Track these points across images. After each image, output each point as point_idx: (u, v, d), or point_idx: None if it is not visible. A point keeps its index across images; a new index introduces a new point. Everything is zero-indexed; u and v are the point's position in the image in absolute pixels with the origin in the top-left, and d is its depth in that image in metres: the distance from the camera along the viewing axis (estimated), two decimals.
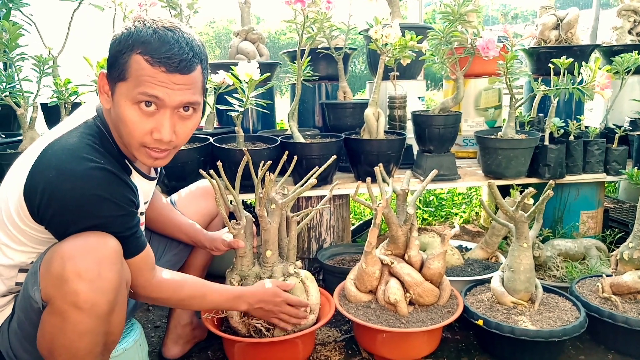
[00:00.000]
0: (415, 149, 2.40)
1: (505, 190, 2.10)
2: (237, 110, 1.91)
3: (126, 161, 1.17)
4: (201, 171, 1.46)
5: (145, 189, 1.28)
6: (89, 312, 0.99)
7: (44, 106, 2.17)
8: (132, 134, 1.07)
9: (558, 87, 2.04)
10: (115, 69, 1.04)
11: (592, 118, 3.17)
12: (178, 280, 1.26)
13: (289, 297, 1.41)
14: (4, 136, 2.26)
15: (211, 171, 1.44)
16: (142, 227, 1.25)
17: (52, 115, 2.21)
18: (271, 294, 1.38)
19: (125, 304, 1.12)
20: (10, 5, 1.84)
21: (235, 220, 1.50)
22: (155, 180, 1.37)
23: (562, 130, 2.28)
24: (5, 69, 2.08)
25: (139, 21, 1.05)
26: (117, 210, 1.06)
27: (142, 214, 1.24)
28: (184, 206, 1.59)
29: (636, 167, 2.19)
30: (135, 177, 1.21)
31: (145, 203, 1.32)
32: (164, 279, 1.22)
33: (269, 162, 1.47)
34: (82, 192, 1.01)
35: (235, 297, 1.35)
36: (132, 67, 1.02)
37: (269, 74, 2.00)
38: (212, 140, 2.04)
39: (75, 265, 0.98)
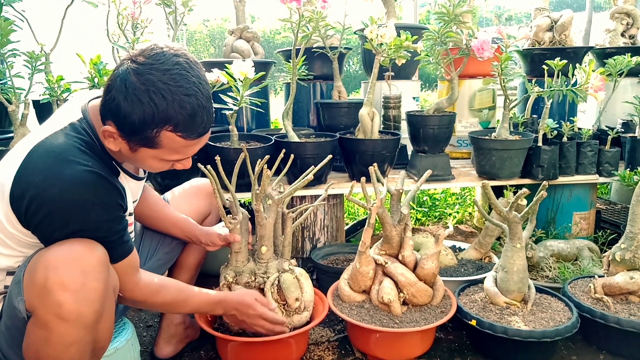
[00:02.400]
0: (410, 149, 2.40)
1: (498, 191, 2.11)
2: (232, 109, 1.90)
3: (113, 162, 1.15)
4: (199, 165, 1.46)
5: (134, 187, 1.27)
6: (75, 323, 0.97)
7: (36, 103, 2.14)
8: (151, 171, 1.20)
9: (552, 89, 2.05)
10: (139, 138, 1.04)
11: (585, 120, 3.19)
12: (163, 283, 1.25)
13: (264, 312, 1.38)
14: None
15: (208, 166, 1.44)
16: (131, 228, 1.24)
17: (44, 112, 2.19)
18: (246, 305, 1.36)
19: (113, 310, 1.10)
20: (2, 1, 1.82)
21: (231, 215, 1.50)
22: (144, 179, 1.36)
23: (555, 132, 2.30)
24: None
25: (154, 92, 0.98)
26: (105, 215, 1.04)
27: (130, 214, 1.22)
28: (177, 204, 1.57)
29: (628, 169, 2.20)
30: (123, 178, 1.20)
31: (134, 202, 1.31)
32: (150, 281, 1.22)
33: (267, 156, 1.46)
34: (70, 197, 0.99)
35: (215, 303, 1.34)
36: (163, 141, 1.04)
37: (263, 73, 1.99)
38: None
39: (59, 276, 0.96)
